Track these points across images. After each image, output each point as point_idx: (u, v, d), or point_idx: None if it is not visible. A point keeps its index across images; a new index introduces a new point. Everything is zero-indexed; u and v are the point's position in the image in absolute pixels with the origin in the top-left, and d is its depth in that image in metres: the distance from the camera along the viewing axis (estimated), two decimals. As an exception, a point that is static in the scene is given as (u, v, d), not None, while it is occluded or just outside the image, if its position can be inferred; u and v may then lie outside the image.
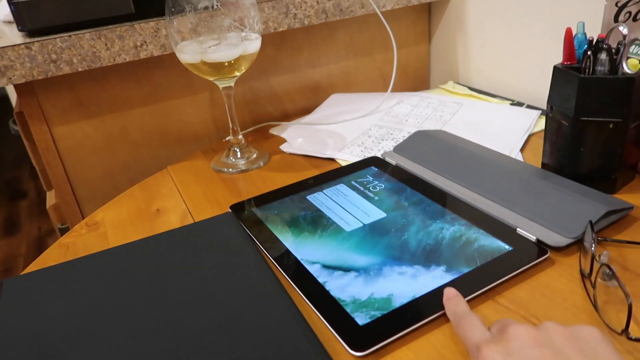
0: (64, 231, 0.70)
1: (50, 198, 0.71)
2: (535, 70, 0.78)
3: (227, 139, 0.78)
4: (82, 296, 0.40)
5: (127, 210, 0.58)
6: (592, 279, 0.38)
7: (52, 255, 0.50)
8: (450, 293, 0.37)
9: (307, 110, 0.85)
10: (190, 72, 0.74)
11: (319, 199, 0.54)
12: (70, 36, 0.62)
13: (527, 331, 0.28)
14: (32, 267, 0.48)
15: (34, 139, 0.66)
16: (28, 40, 0.61)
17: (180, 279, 0.41)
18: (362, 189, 0.55)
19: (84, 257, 0.46)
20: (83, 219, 0.72)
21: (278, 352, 0.33)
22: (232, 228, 0.49)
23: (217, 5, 0.57)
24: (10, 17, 0.80)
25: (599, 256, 0.38)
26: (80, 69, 0.63)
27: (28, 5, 0.62)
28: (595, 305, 0.36)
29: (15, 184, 2.36)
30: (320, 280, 0.41)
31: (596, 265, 0.37)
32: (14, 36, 0.65)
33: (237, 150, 0.67)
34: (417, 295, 0.38)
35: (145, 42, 0.66)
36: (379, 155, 0.64)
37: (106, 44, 0.64)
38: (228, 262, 0.43)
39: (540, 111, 0.72)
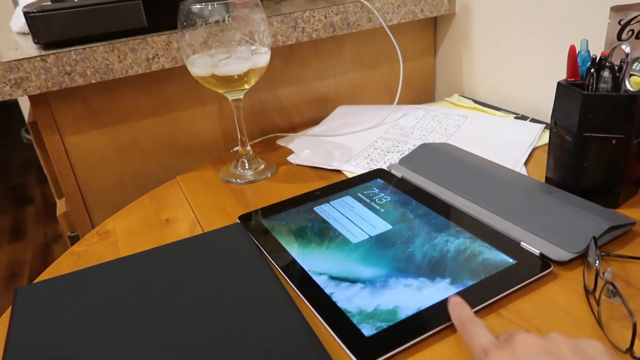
0: (73, 239, 0.72)
1: (61, 206, 0.73)
2: (539, 84, 0.79)
3: (236, 149, 0.79)
4: (94, 304, 0.41)
5: (137, 219, 0.59)
6: (597, 295, 0.38)
7: (64, 264, 0.51)
8: (454, 300, 0.37)
9: (314, 122, 0.86)
10: (200, 84, 0.76)
11: (326, 210, 0.55)
12: (84, 49, 0.63)
13: (534, 339, 0.29)
14: (45, 275, 0.49)
15: (47, 148, 0.67)
16: (43, 52, 0.62)
17: (189, 289, 0.42)
18: (368, 201, 0.56)
19: (95, 265, 0.47)
20: (93, 227, 0.73)
21: (286, 362, 0.34)
22: (241, 239, 0.50)
23: (227, 20, 0.59)
24: (25, 29, 0.82)
25: (603, 273, 0.38)
26: (93, 81, 0.64)
27: (43, 19, 0.64)
28: (599, 323, 0.37)
29: (22, 190, 2.39)
30: (327, 291, 0.42)
31: (600, 282, 0.38)
32: (29, 48, 0.67)
33: (245, 161, 0.68)
34: (423, 308, 0.39)
35: (157, 54, 0.68)
36: (384, 167, 0.65)
37: (119, 57, 0.65)
38: (237, 273, 0.44)
39: (544, 125, 0.73)
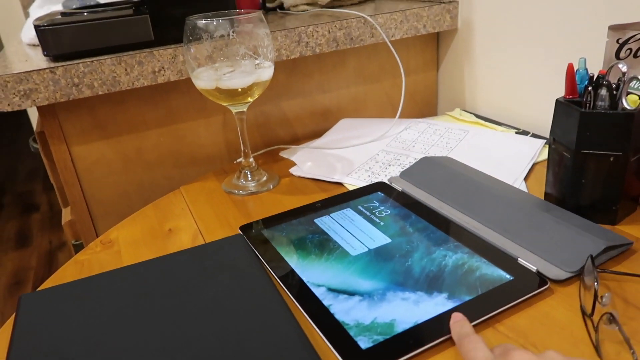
0: (78, 247, 0.72)
1: (66, 214, 0.74)
2: (539, 100, 0.80)
3: (239, 160, 0.80)
4: (97, 313, 0.42)
5: (140, 229, 0.60)
6: (595, 321, 0.38)
7: (68, 272, 0.52)
8: (457, 317, 0.38)
9: (316, 134, 0.87)
10: (204, 96, 0.77)
11: (326, 222, 0.56)
12: (92, 61, 0.65)
13: (530, 357, 0.30)
14: (49, 283, 0.50)
15: (54, 157, 0.68)
16: (52, 64, 0.64)
17: (190, 298, 0.43)
18: (368, 213, 0.57)
19: (99, 274, 0.47)
20: (97, 236, 0.74)
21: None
22: (242, 249, 0.50)
23: (232, 35, 0.60)
24: (35, 41, 0.83)
25: (602, 297, 0.38)
26: (100, 93, 0.66)
27: (53, 32, 0.65)
28: (597, 350, 0.37)
29: (28, 198, 2.41)
30: (326, 303, 0.42)
31: (599, 308, 0.38)
32: (39, 60, 0.68)
33: (248, 172, 0.69)
34: (419, 322, 0.39)
35: (163, 67, 0.69)
36: (385, 180, 0.66)
37: (126, 69, 0.67)
38: (237, 283, 0.45)
39: (544, 140, 0.73)
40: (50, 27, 0.65)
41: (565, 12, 0.72)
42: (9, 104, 0.62)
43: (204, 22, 0.59)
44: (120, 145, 0.73)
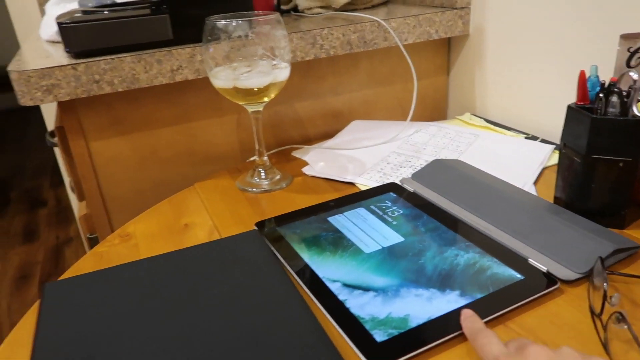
0: (92, 240, 0.74)
1: (81, 208, 0.75)
2: (550, 106, 0.81)
3: (252, 159, 0.81)
4: (118, 302, 0.43)
5: (156, 223, 0.61)
6: (603, 320, 0.39)
7: (87, 263, 0.53)
8: (467, 313, 0.39)
9: (328, 135, 0.89)
10: (219, 95, 0.78)
11: (340, 220, 0.57)
12: (113, 59, 0.66)
13: (546, 352, 0.31)
14: (69, 273, 0.52)
15: (72, 152, 0.70)
16: (74, 61, 0.65)
17: (209, 290, 0.44)
18: (380, 213, 0.58)
19: (120, 265, 0.49)
20: (112, 230, 0.76)
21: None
22: (257, 245, 0.52)
23: (250, 35, 0.61)
24: (54, 37, 0.85)
25: (610, 297, 0.39)
26: (120, 90, 0.67)
27: (75, 29, 0.67)
28: (606, 348, 0.38)
29: (36, 193, 2.43)
30: (341, 298, 0.43)
31: (608, 308, 0.39)
32: (59, 56, 0.70)
33: (262, 171, 0.70)
34: (433, 317, 0.40)
35: (181, 66, 0.70)
36: (397, 181, 0.67)
37: (145, 67, 0.68)
38: (254, 277, 0.46)
39: (554, 146, 0.74)
40: (73, 24, 0.66)
41: (577, 20, 0.73)
42: (31, 99, 0.64)
43: (223, 22, 0.60)
44: (136, 141, 0.75)
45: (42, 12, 1.26)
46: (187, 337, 0.39)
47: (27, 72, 0.63)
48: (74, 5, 0.98)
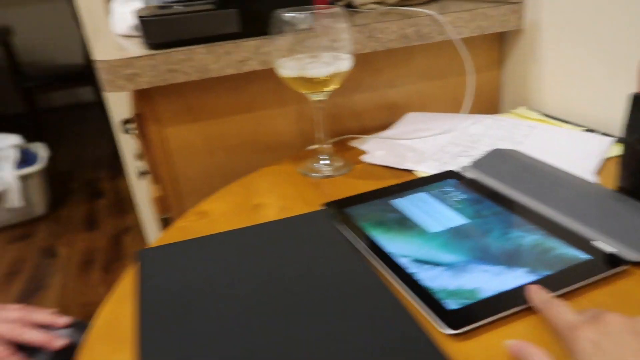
0: (166, 221, 0.79)
1: (155, 191, 0.80)
2: (608, 98, 0.80)
3: (313, 147, 0.85)
4: (206, 265, 0.47)
5: (228, 203, 0.65)
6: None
7: (173, 234, 0.58)
8: (534, 287, 0.40)
9: (384, 127, 0.91)
10: (281, 86, 0.82)
11: (403, 203, 0.59)
12: (187, 50, 0.71)
13: (624, 319, 0.32)
14: (158, 242, 0.56)
15: (150, 137, 0.75)
16: (152, 52, 0.70)
17: (287, 260, 0.47)
18: (443, 197, 0.60)
19: (203, 236, 0.53)
20: (184, 210, 0.80)
21: (390, 333, 0.38)
22: (327, 223, 0.55)
23: (315, 28, 0.65)
24: (128, 32, 0.91)
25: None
26: (193, 79, 0.72)
27: (154, 23, 0.72)
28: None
29: (94, 185, 2.57)
30: (411, 271, 0.46)
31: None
32: (135, 48, 0.75)
33: (324, 157, 0.73)
34: (502, 290, 0.42)
35: (248, 57, 0.74)
36: (456, 169, 0.69)
37: (215, 58, 0.73)
38: (325, 251, 0.49)
39: (614, 138, 0.74)
40: (153, 18, 0.72)
41: (634, 10, 0.72)
42: (117, 86, 0.69)
43: (289, 15, 0.64)
44: (206, 128, 0.79)
45: (108, 11, 1.34)
46: (271, 300, 0.42)
47: (111, 61, 0.68)
48: (138, 3, 1.04)
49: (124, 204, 2.30)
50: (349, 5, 1.06)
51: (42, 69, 3.42)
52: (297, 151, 0.87)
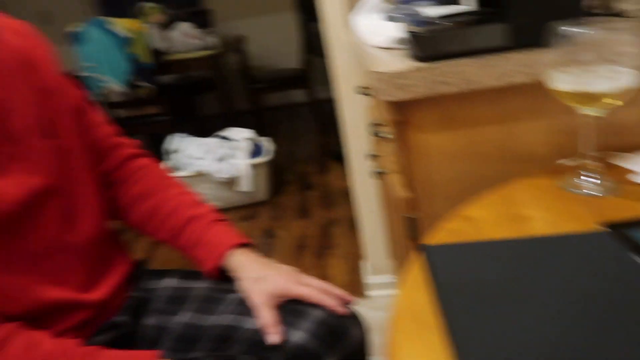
0: (409, 220, 0.85)
1: (403, 192, 0.87)
2: None
3: (567, 161, 0.82)
4: (492, 269, 0.51)
5: (489, 211, 0.68)
6: None
7: (441, 235, 0.63)
8: None
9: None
10: (540, 99, 0.81)
11: (702, 234, 0.54)
12: (454, 63, 0.76)
13: None
14: (429, 240, 0.62)
15: (409, 143, 0.82)
16: (419, 64, 0.77)
17: (572, 282, 0.48)
18: None
19: (485, 241, 0.57)
20: (433, 212, 0.86)
21: None
22: (614, 245, 0.53)
23: (594, 40, 0.62)
24: (386, 44, 1.00)
25: None
26: (459, 90, 0.76)
27: (425, 39, 0.79)
28: None
29: (306, 178, 2.86)
30: None
31: None
32: (401, 60, 0.82)
33: (589, 174, 0.70)
34: None
35: (513, 70, 0.76)
36: None
37: (480, 71, 0.76)
38: (620, 275, 0.48)
39: None
40: (424, 35, 0.78)
41: None
42: (389, 95, 0.77)
43: (566, 28, 0.63)
44: (460, 137, 0.83)
45: (349, 25, 1.47)
46: (576, 313, 0.43)
47: (386, 73, 0.77)
48: (378, 15, 1.12)
49: (332, 198, 2.52)
50: (618, 14, 0.98)
51: (266, 73, 3.93)
52: (547, 164, 0.85)
